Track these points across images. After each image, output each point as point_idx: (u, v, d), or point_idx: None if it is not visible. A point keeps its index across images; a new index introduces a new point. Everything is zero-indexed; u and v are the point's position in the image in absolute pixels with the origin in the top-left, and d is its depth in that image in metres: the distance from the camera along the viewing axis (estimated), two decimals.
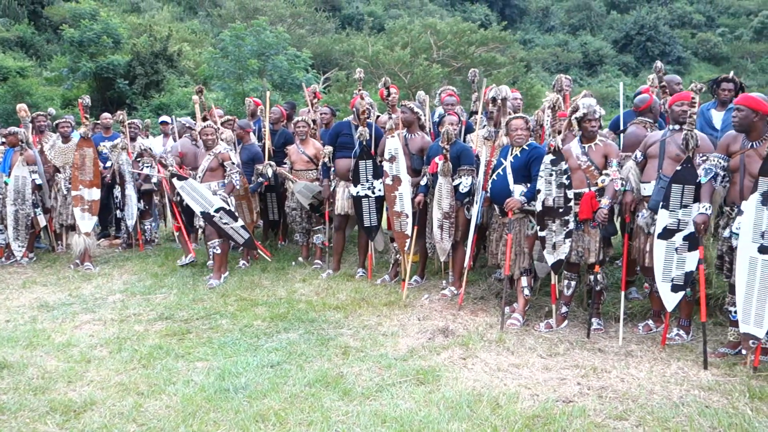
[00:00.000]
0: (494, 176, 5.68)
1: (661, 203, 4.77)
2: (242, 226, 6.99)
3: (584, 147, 5.26)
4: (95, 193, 7.81)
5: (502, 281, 5.95)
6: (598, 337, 5.14)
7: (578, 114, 5.26)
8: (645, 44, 46.16)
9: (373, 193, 6.79)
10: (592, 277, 5.30)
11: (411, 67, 23.23)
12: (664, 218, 4.73)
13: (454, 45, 25.43)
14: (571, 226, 5.19)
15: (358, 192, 6.79)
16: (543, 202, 5.21)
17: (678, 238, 4.69)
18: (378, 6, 44.41)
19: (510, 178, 5.53)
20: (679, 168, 4.71)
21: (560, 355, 4.76)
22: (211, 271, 7.16)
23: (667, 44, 46.11)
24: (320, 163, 7.31)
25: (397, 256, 6.77)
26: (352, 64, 25.28)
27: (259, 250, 7.59)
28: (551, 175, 5.18)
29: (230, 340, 5.18)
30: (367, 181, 6.77)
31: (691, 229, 4.63)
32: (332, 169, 7.13)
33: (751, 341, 4.33)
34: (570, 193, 5.15)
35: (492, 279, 6.62)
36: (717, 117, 6.03)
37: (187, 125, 8.36)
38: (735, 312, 4.57)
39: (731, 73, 6.29)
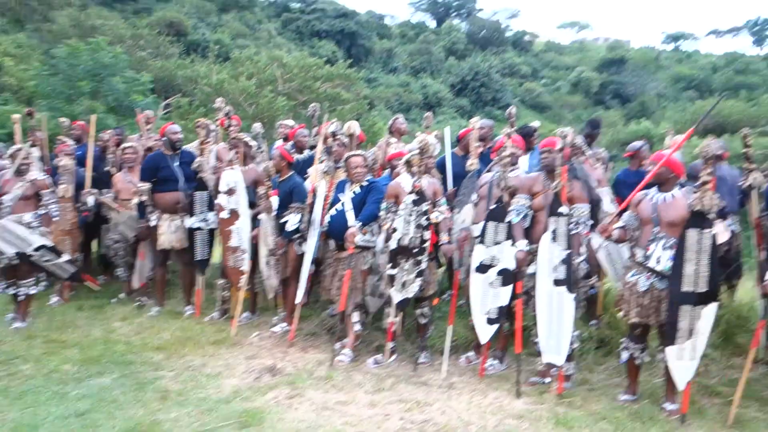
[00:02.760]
0: (332, 211, 5.72)
1: (477, 239, 5.05)
2: (68, 261, 6.39)
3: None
4: None
5: (335, 317, 5.97)
6: (423, 371, 5.28)
7: (415, 151, 5.46)
8: (479, 89, 49.25)
9: (207, 225, 6.58)
10: (419, 311, 5.47)
11: (256, 98, 23.00)
12: (480, 254, 5.00)
13: (300, 79, 25.57)
14: (423, 266, 5.29)
15: (192, 224, 6.54)
16: (398, 241, 5.26)
17: (492, 273, 4.97)
18: (225, 35, 43.69)
19: (350, 214, 5.60)
20: (493, 207, 5.03)
21: (386, 390, 4.82)
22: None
23: (498, 91, 49.55)
24: (137, 201, 6.78)
25: (225, 292, 6.58)
26: (195, 91, 24.60)
27: (87, 283, 7.05)
28: (411, 215, 5.24)
29: (31, 387, 4.68)
30: (201, 212, 6.55)
31: (504, 264, 4.93)
32: (150, 205, 6.71)
33: (552, 369, 4.66)
34: (426, 235, 5.27)
35: (325, 314, 6.61)
36: (524, 161, 6.46)
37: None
38: (539, 343, 4.93)
39: (538, 123, 6.91)
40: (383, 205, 5.47)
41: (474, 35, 62.99)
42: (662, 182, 4.52)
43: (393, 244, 5.27)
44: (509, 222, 4.95)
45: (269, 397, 4.64)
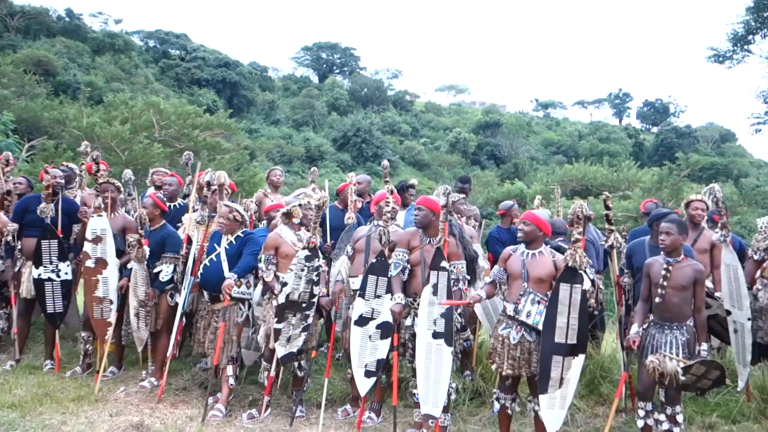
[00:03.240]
0: (207, 262, 5.58)
1: (358, 292, 5.09)
2: None
3: (298, 234, 5.44)
4: None
5: (208, 370, 5.75)
6: (299, 425, 5.17)
7: (297, 205, 5.50)
8: (360, 145, 50.37)
9: (58, 276, 6.18)
10: (296, 364, 5.39)
11: (130, 143, 22.23)
12: (360, 307, 5.04)
13: (178, 126, 25.04)
14: (310, 320, 5.24)
15: (40, 275, 6.14)
16: (288, 296, 5.18)
17: (372, 326, 5.01)
18: (99, 77, 42.25)
19: (225, 265, 5.47)
20: (374, 261, 5.10)
21: None
22: None
23: (379, 147, 50.89)
24: (2, 242, 6.43)
25: (88, 345, 6.19)
26: (62, 134, 23.40)
27: None
28: (303, 270, 5.20)
29: None
30: (51, 263, 6.16)
31: (384, 318, 4.98)
32: (18, 248, 6.36)
33: (430, 420, 4.71)
34: (316, 290, 5.23)
35: (197, 368, 6.34)
36: (400, 216, 6.67)
37: None
38: (417, 394, 4.98)
39: (415, 181, 7.20)
40: (263, 257, 5.40)
41: (356, 92, 64.68)
42: (531, 240, 4.77)
43: (282, 299, 5.19)
44: (390, 276, 5.03)
45: None
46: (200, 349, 5.72)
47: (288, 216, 5.54)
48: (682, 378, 4.37)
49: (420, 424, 5.04)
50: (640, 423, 4.69)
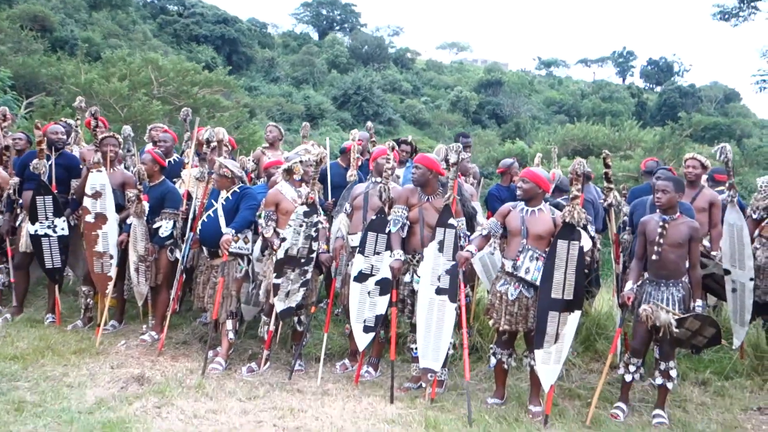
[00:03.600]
0: (204, 218, 5.59)
1: (358, 249, 5.11)
2: None
3: (298, 190, 5.43)
4: None
5: (207, 325, 5.81)
6: (298, 378, 5.24)
7: (297, 162, 5.48)
8: (361, 104, 49.84)
9: (55, 232, 6.19)
10: (296, 319, 5.44)
11: (129, 100, 22.02)
12: (359, 263, 5.06)
13: (176, 83, 24.74)
14: (309, 276, 5.27)
15: (36, 230, 6.15)
16: (286, 251, 5.20)
17: (371, 283, 5.04)
18: (96, 33, 41.54)
19: (222, 220, 5.47)
20: (373, 217, 5.10)
21: (260, 398, 4.74)
22: None
23: (380, 106, 50.35)
24: (4, 195, 6.47)
25: (89, 300, 6.24)
26: (60, 90, 23.18)
27: None
28: (301, 225, 5.21)
29: None
30: (47, 219, 6.16)
31: (383, 274, 5.01)
32: (19, 201, 6.37)
33: (429, 374, 4.78)
34: (314, 245, 5.25)
35: (197, 323, 6.41)
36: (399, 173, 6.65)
37: None
38: (416, 349, 5.05)
39: (409, 137, 7.13)
40: (263, 213, 5.41)
41: (357, 50, 63.78)
42: (530, 197, 4.77)
43: (280, 254, 5.20)
44: (389, 232, 5.04)
45: (136, 406, 4.43)
46: (200, 304, 5.77)
47: (289, 172, 5.53)
48: (676, 331, 4.43)
49: (417, 378, 5.13)
50: (628, 378, 4.77)
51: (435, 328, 4.75)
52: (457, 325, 4.91)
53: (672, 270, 4.62)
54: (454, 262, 4.77)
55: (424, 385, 4.99)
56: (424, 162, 5.05)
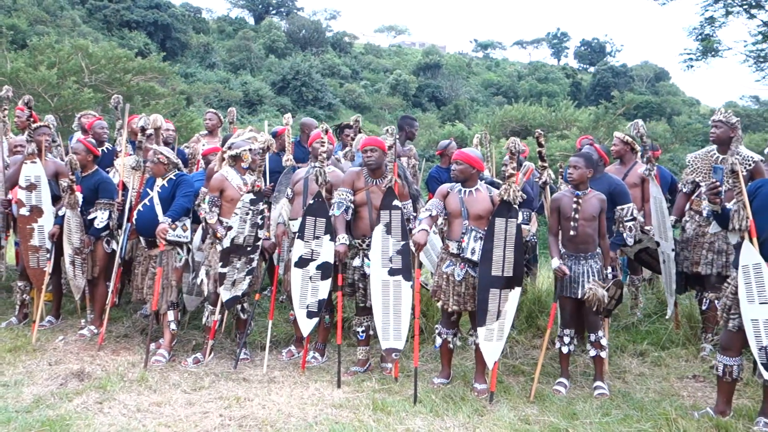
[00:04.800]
0: (140, 207, 5.45)
1: (297, 234, 5.08)
2: None
3: (243, 178, 5.35)
4: None
5: (148, 317, 5.70)
6: (244, 367, 5.20)
7: (246, 150, 5.40)
8: (300, 89, 49.35)
9: None
10: (239, 307, 5.39)
11: (58, 89, 21.27)
12: (299, 248, 5.03)
13: (108, 71, 24.02)
14: (255, 264, 5.22)
15: None
16: (233, 240, 5.13)
17: (312, 267, 5.02)
18: (21, 20, 39.78)
19: (158, 208, 5.35)
20: (311, 202, 5.08)
21: (205, 388, 4.68)
22: None
23: (320, 90, 49.99)
24: None
25: (24, 296, 6.03)
26: None
27: None
28: (247, 213, 5.16)
29: None
30: None
31: (323, 258, 4.99)
32: None
33: (393, 354, 4.81)
34: (260, 233, 5.19)
35: (137, 315, 6.28)
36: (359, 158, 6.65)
37: None
38: (362, 332, 5.08)
39: (357, 116, 7.10)
40: (207, 198, 5.31)
41: (294, 34, 63.08)
42: (465, 178, 4.82)
43: (227, 243, 5.14)
44: (328, 216, 5.02)
45: (76, 403, 4.31)
46: (139, 296, 5.63)
47: (236, 159, 5.42)
48: (611, 302, 4.61)
49: (364, 361, 5.16)
50: (565, 349, 4.91)
51: (393, 309, 4.77)
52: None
53: (589, 243, 4.78)
54: (404, 242, 4.80)
55: (390, 365, 5.08)
56: (379, 144, 5.03)
